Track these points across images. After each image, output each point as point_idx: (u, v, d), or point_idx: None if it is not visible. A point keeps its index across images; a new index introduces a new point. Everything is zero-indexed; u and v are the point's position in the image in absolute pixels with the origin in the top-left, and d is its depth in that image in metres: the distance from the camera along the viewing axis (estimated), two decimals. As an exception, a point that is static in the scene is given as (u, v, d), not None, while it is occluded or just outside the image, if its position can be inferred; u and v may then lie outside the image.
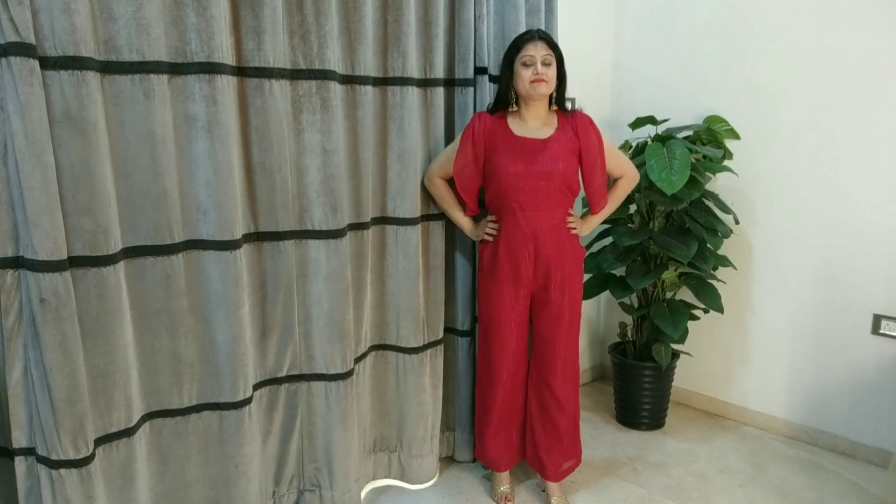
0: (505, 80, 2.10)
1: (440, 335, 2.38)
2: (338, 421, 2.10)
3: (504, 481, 2.37)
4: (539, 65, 2.01)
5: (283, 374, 2.04)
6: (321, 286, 2.01)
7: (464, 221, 2.25)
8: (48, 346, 1.50)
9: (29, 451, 1.57)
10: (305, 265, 2.00)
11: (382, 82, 2.13)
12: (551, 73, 2.04)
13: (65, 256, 1.50)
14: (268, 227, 1.92)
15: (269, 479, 2.09)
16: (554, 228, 2.12)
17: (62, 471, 1.55)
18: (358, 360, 2.20)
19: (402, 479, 2.44)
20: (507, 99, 2.11)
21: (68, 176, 1.50)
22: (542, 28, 2.42)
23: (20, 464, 1.57)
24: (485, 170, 2.14)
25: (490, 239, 2.17)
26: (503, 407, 2.27)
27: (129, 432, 1.69)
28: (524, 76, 2.03)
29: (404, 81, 2.14)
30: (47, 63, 1.44)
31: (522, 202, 2.08)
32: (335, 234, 2.00)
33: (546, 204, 2.09)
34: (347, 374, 2.09)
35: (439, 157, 2.23)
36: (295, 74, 1.89)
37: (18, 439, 1.56)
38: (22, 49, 1.38)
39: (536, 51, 2.02)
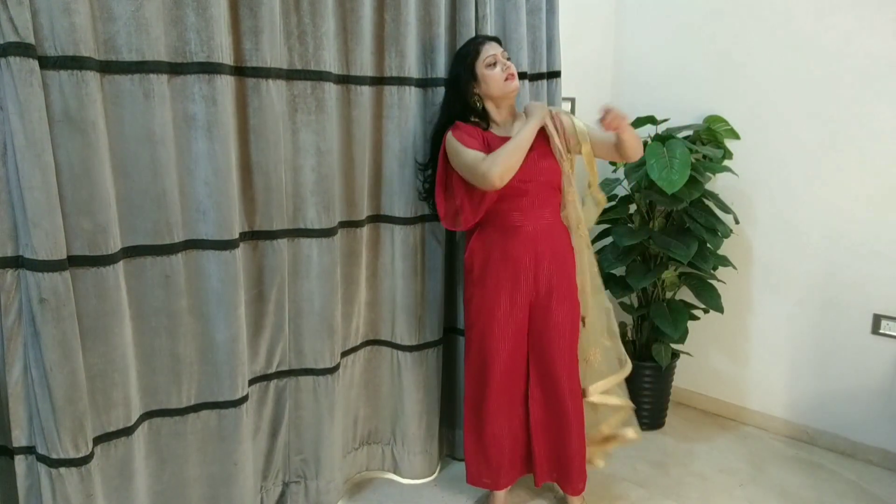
0: (467, 90, 2.00)
1: (439, 335, 2.38)
2: (326, 413, 2.13)
3: (501, 501, 2.25)
4: (504, 61, 1.98)
5: (272, 370, 2.06)
6: (313, 284, 2.03)
7: (528, 128, 1.94)
8: (48, 345, 1.50)
9: (29, 450, 1.57)
10: (298, 263, 2.02)
11: (379, 82, 2.14)
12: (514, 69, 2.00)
13: (64, 256, 1.50)
14: (263, 226, 1.93)
15: (258, 475, 2.10)
16: (548, 228, 2.05)
17: (62, 469, 1.55)
18: (347, 353, 2.23)
19: (394, 472, 2.46)
20: (469, 110, 2.02)
21: (68, 176, 1.50)
22: (544, 28, 2.42)
23: (20, 462, 1.57)
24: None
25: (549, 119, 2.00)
26: (499, 423, 2.13)
27: (127, 431, 1.70)
28: (496, 76, 1.97)
29: (402, 81, 2.14)
30: (47, 63, 1.44)
31: (516, 204, 2.00)
32: (327, 233, 2.02)
33: (538, 203, 2.02)
34: (335, 368, 2.12)
35: (467, 160, 1.94)
36: (291, 75, 1.90)
37: (18, 438, 1.56)
38: (21, 49, 1.39)
39: (495, 49, 1.99)
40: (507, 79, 1.98)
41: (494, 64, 1.98)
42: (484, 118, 2.05)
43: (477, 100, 2.03)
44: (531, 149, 1.97)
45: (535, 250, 2.03)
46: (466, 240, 2.17)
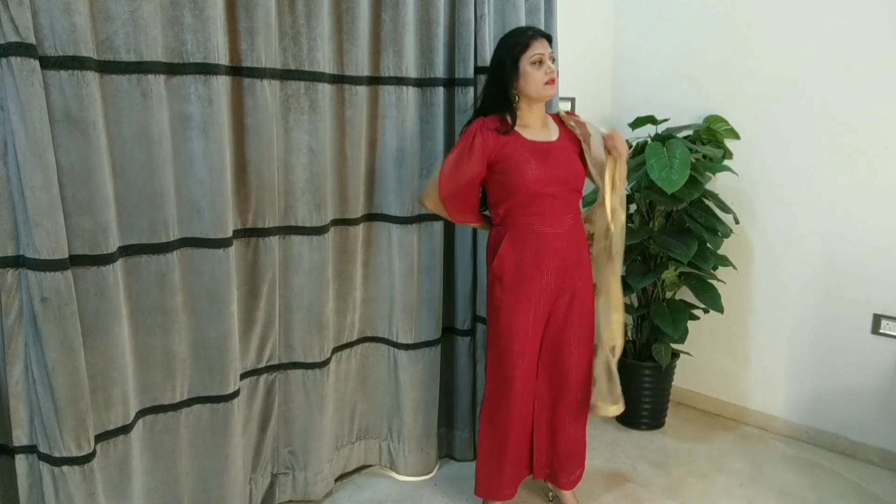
0: (509, 80, 1.92)
1: (437, 335, 2.38)
2: (315, 406, 2.15)
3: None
4: (550, 63, 1.91)
5: (262, 364, 2.08)
6: (302, 280, 2.06)
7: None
8: (50, 344, 1.51)
9: (30, 449, 1.58)
10: (288, 260, 2.04)
11: (376, 82, 2.15)
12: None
13: (66, 255, 1.51)
14: (255, 224, 1.95)
15: (248, 467, 2.12)
16: (570, 232, 2.00)
17: (65, 468, 1.56)
18: (342, 348, 2.25)
19: (391, 467, 2.47)
20: (507, 101, 1.94)
21: (68, 175, 1.51)
22: (542, 28, 2.42)
23: (21, 462, 1.58)
24: (493, 180, 1.97)
25: None
26: (519, 431, 2.11)
27: (126, 429, 1.71)
28: (537, 77, 1.89)
29: (400, 81, 2.15)
30: (47, 63, 1.45)
31: (544, 209, 1.95)
32: (318, 231, 2.04)
33: (564, 209, 1.98)
34: (325, 363, 2.14)
35: (449, 159, 1.98)
36: (285, 75, 1.91)
37: (19, 437, 1.57)
38: (22, 49, 1.40)
39: (544, 48, 1.91)
40: (547, 83, 1.91)
41: (540, 62, 1.90)
42: (513, 115, 1.97)
43: (515, 93, 1.95)
44: (560, 155, 1.98)
45: (564, 256, 1.99)
46: (489, 247, 2.07)
